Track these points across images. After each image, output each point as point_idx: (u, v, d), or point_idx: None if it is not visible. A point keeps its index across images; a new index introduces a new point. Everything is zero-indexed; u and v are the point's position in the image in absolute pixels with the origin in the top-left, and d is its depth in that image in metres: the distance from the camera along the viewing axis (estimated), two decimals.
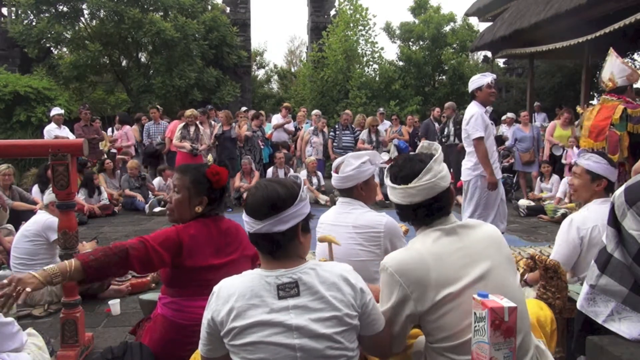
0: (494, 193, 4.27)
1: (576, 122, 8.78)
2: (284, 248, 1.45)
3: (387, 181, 1.64)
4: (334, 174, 2.46)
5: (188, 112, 7.54)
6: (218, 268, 2.02)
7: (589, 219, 2.41)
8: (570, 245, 2.43)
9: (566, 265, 2.42)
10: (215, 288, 1.47)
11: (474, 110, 4.16)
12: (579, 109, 5.04)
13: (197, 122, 7.45)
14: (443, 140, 8.40)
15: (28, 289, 1.72)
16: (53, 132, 7.89)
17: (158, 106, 9.69)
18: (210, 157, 7.65)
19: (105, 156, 8.51)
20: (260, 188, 1.48)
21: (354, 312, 1.42)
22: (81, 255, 1.88)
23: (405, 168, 1.59)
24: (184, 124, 7.44)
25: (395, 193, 1.60)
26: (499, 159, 4.78)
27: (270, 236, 1.43)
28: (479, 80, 4.20)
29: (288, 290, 1.39)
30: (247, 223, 1.47)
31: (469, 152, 4.31)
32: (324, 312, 1.38)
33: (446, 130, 8.47)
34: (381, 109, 10.55)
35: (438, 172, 1.56)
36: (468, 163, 4.33)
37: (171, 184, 2.22)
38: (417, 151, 1.74)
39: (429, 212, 1.57)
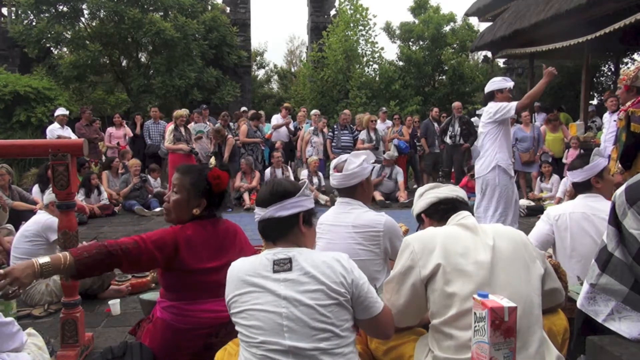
0: (511, 190, 4.22)
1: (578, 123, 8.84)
2: (283, 234, 1.63)
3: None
4: (334, 173, 2.40)
5: (177, 113, 7.55)
6: (216, 270, 1.98)
7: (559, 209, 2.65)
8: (542, 230, 2.67)
9: (541, 247, 2.60)
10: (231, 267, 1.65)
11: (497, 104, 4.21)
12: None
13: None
14: (448, 140, 8.38)
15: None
16: (56, 131, 7.89)
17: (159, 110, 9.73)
18: (213, 160, 7.63)
19: (104, 157, 8.51)
20: (269, 183, 1.71)
21: (342, 289, 1.53)
22: (75, 251, 1.84)
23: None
24: (174, 125, 7.45)
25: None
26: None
27: (273, 221, 1.62)
28: (501, 82, 4.25)
29: (282, 265, 1.55)
30: (256, 214, 1.66)
31: (485, 148, 4.28)
32: (310, 285, 1.51)
33: (451, 130, 8.44)
34: (383, 108, 10.54)
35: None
36: (483, 158, 4.30)
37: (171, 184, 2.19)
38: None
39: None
